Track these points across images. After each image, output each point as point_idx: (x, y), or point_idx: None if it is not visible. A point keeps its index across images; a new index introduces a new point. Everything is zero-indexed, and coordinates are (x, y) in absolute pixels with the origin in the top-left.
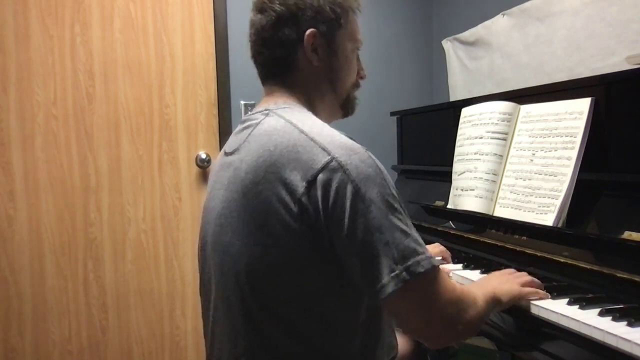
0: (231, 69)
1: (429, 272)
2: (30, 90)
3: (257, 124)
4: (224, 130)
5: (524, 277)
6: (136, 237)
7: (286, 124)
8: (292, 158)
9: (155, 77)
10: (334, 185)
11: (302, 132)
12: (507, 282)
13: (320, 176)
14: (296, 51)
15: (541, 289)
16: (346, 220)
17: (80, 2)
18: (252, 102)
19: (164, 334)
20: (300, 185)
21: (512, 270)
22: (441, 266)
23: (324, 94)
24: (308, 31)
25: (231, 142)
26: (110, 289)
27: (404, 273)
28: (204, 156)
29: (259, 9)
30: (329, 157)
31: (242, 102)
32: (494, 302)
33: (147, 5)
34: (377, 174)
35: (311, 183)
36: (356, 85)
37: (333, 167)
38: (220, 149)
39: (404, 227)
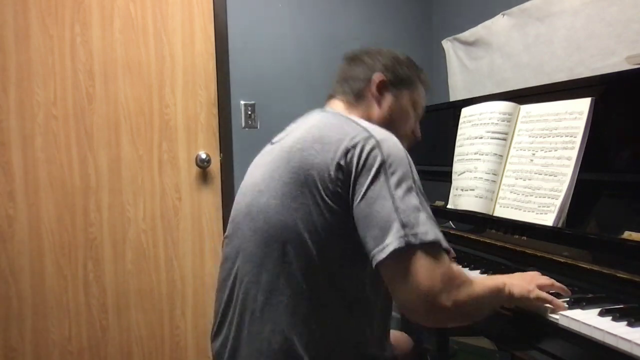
0: (231, 69)
1: (433, 245)
2: (30, 90)
3: (308, 118)
4: (224, 130)
5: (545, 280)
6: (136, 237)
7: (337, 114)
8: (338, 131)
9: (155, 77)
10: (367, 152)
11: (349, 119)
12: (524, 280)
13: (359, 145)
14: (364, 86)
15: (563, 293)
16: (367, 182)
17: (80, 2)
18: (252, 102)
19: (164, 334)
20: (341, 151)
21: (538, 273)
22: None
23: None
24: (377, 73)
25: (279, 135)
26: (110, 289)
27: (410, 236)
28: (204, 156)
29: (349, 59)
30: (369, 134)
31: (242, 102)
32: (501, 292)
33: (147, 5)
34: (405, 159)
35: (349, 149)
36: (407, 138)
37: (371, 142)
38: (220, 149)
39: (419, 204)
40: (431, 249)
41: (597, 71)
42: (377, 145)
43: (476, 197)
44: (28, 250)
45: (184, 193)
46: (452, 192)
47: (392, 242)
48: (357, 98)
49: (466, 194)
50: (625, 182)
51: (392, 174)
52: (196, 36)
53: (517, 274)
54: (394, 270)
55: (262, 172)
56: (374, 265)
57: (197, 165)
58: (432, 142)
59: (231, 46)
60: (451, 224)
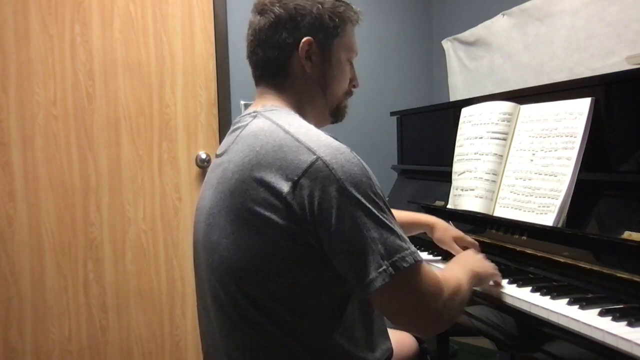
0: (231, 69)
1: (413, 267)
2: (30, 90)
3: (244, 126)
4: (224, 130)
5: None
6: (136, 237)
7: (272, 125)
8: (277, 158)
9: (155, 77)
10: (319, 184)
11: (287, 132)
12: (479, 260)
13: (306, 176)
14: (290, 55)
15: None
16: (333, 219)
17: (80, 2)
18: (252, 102)
19: (164, 334)
20: (285, 185)
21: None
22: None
23: (315, 100)
24: (304, 39)
25: (222, 145)
26: (110, 289)
27: (390, 268)
28: (204, 156)
29: (259, 11)
30: (315, 157)
31: (242, 102)
32: (475, 278)
33: (147, 5)
34: (362, 172)
35: (296, 183)
36: (348, 94)
37: (318, 167)
38: None
39: (388, 224)
40: (412, 270)
41: (597, 71)
42: (328, 169)
43: (476, 197)
44: (28, 250)
45: (184, 193)
46: (452, 192)
47: (376, 277)
48: (283, 80)
49: (466, 194)
50: (625, 182)
51: (356, 200)
52: (196, 36)
53: (470, 255)
54: (385, 302)
55: (210, 197)
56: (365, 297)
57: (197, 165)
58: (432, 142)
59: (231, 46)
60: (451, 224)
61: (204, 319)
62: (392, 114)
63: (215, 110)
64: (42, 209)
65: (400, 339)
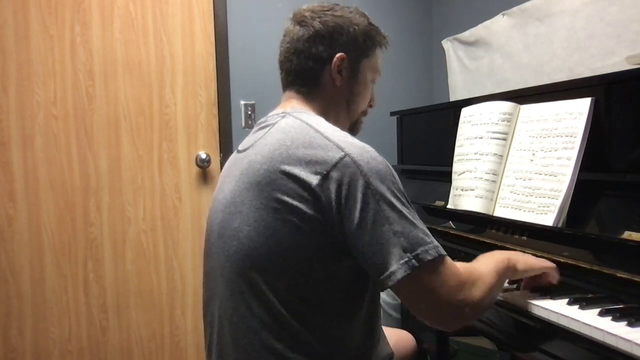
0: (231, 69)
1: (436, 260)
2: (30, 90)
3: (274, 124)
4: (224, 130)
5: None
6: (136, 237)
7: (302, 123)
8: (308, 153)
9: (155, 77)
10: (347, 179)
11: (317, 131)
12: (525, 255)
13: (334, 171)
14: (323, 67)
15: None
16: (357, 212)
17: (80, 2)
18: (252, 102)
19: (164, 334)
20: (314, 178)
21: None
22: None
23: (340, 112)
24: (338, 54)
25: (245, 141)
26: (110, 289)
27: (413, 260)
28: (204, 156)
29: (299, 22)
30: (343, 154)
31: (242, 102)
32: (507, 269)
33: (147, 5)
34: (387, 170)
35: (325, 177)
36: (365, 113)
37: (346, 163)
38: (221, 149)
39: (411, 218)
40: (435, 263)
41: (597, 71)
42: (355, 165)
43: (476, 197)
44: (28, 250)
45: (184, 193)
46: (452, 192)
47: (397, 269)
48: (313, 89)
49: (466, 194)
50: (625, 182)
51: (380, 195)
52: (196, 36)
53: (516, 252)
54: (406, 294)
55: (231, 189)
56: (380, 289)
57: (197, 165)
58: (432, 142)
59: (231, 46)
60: (451, 224)
61: (210, 309)
62: (392, 114)
63: (215, 110)
64: (42, 209)
65: (400, 339)
